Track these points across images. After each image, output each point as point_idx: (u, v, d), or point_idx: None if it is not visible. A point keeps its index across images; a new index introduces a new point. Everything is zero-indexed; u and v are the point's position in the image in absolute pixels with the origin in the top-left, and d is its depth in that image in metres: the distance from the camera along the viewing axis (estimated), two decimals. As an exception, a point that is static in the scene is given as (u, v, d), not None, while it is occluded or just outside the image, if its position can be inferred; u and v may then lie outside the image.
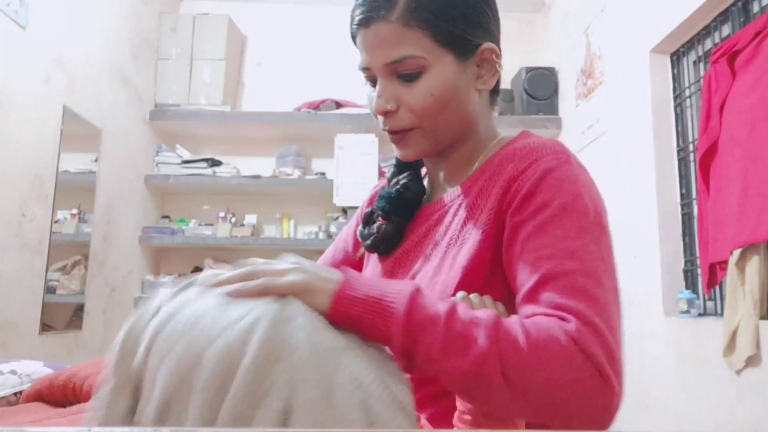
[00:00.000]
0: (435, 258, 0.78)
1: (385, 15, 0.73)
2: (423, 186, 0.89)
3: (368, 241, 0.88)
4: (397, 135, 0.79)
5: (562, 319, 0.60)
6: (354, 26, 0.78)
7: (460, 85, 0.77)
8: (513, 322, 0.60)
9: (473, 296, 0.68)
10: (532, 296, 0.64)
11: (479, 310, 0.62)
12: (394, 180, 0.90)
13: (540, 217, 0.68)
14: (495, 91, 0.85)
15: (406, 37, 0.73)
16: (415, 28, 0.73)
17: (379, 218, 0.88)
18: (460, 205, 0.80)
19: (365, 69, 0.78)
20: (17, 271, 2.25)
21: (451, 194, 0.82)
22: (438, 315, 0.59)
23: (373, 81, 0.79)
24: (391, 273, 0.85)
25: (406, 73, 0.75)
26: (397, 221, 0.86)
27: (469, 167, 0.83)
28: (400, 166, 0.91)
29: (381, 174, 3.35)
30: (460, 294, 0.68)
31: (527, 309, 0.64)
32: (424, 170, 0.94)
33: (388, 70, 0.76)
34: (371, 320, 0.58)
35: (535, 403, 0.57)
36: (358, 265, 0.95)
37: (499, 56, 0.79)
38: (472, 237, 0.74)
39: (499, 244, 0.72)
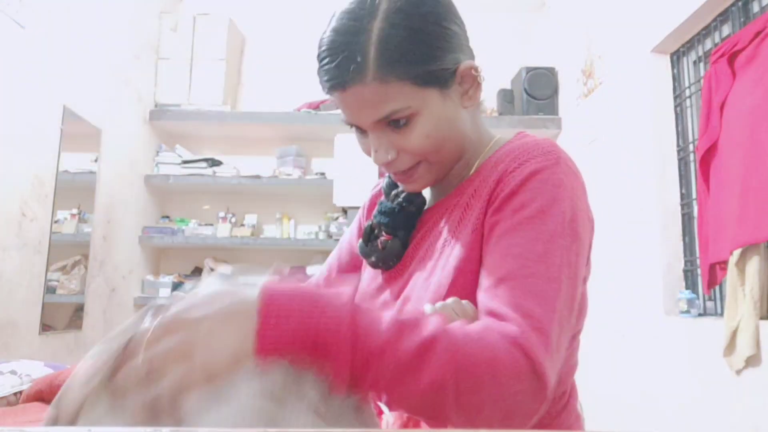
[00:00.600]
0: (430, 260, 0.79)
1: (358, 77, 0.71)
2: (423, 197, 0.88)
3: (372, 258, 0.86)
4: (404, 174, 0.79)
5: (510, 320, 0.60)
6: (327, 88, 0.76)
7: (449, 114, 0.76)
8: (466, 338, 0.57)
9: (450, 301, 0.68)
10: (491, 290, 0.65)
11: (425, 321, 0.57)
12: (393, 193, 0.88)
13: (517, 217, 0.69)
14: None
15: (387, 93, 0.71)
16: (394, 82, 0.71)
17: (382, 233, 0.86)
18: (455, 206, 0.80)
19: (350, 123, 0.79)
20: (17, 271, 2.25)
21: (447, 199, 0.83)
22: (384, 345, 0.53)
23: (360, 131, 0.79)
24: (390, 279, 0.85)
25: (396, 121, 0.74)
26: (403, 236, 0.85)
27: (466, 172, 0.83)
28: None
29: (381, 174, 3.35)
30: (435, 305, 0.67)
31: (485, 303, 0.65)
32: None
33: (378, 125, 0.75)
34: (307, 358, 0.50)
35: (482, 413, 0.56)
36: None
37: (477, 70, 0.78)
38: (464, 237, 0.75)
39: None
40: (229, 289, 0.52)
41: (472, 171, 0.82)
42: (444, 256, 0.77)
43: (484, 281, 0.67)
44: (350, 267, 0.97)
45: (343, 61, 0.71)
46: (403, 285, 0.82)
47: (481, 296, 0.66)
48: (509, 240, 0.68)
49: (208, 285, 0.53)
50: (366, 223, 0.89)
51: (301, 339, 0.49)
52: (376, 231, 0.87)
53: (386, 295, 0.84)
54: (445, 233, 0.79)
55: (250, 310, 0.49)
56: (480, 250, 0.73)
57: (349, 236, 1.00)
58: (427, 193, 0.90)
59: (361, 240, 0.89)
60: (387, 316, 0.55)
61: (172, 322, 0.48)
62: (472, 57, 0.80)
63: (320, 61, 0.75)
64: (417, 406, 0.56)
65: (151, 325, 0.48)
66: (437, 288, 0.74)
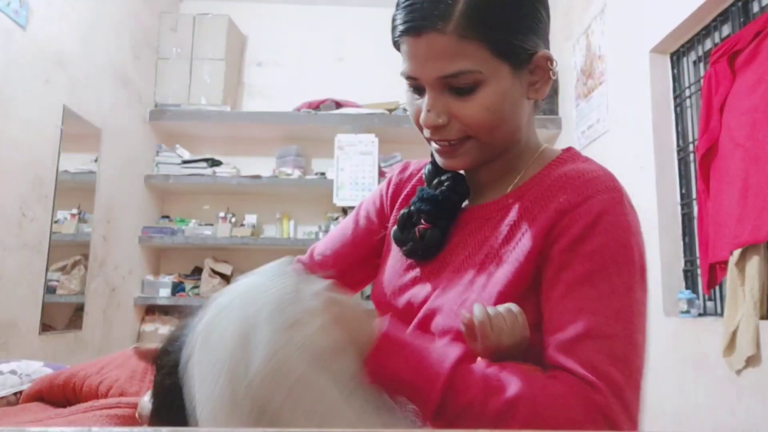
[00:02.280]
0: (468, 272, 0.74)
1: (439, 26, 0.67)
2: (467, 188, 0.82)
3: (408, 247, 0.81)
4: (447, 146, 0.75)
5: (595, 387, 0.60)
6: (399, 32, 0.71)
7: (515, 96, 0.73)
8: (548, 402, 0.59)
9: (503, 309, 0.66)
10: (569, 347, 0.63)
11: (512, 376, 0.62)
12: (436, 180, 0.83)
13: (589, 264, 0.66)
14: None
15: (462, 50, 0.68)
16: (472, 41, 0.67)
17: (421, 222, 0.81)
18: (500, 220, 0.76)
19: (410, 77, 0.73)
20: (17, 271, 2.25)
21: (493, 205, 0.78)
22: (474, 400, 0.59)
23: (417, 89, 0.74)
24: (419, 279, 0.81)
25: (459, 86, 0.70)
26: (444, 226, 0.80)
27: (511, 176, 0.79)
28: (438, 165, 0.83)
29: (381, 174, 3.35)
30: (478, 309, 0.67)
31: (561, 359, 0.63)
32: None
33: (440, 83, 0.70)
34: (412, 382, 0.60)
35: None
36: (379, 246, 0.91)
37: (552, 62, 0.75)
38: (512, 260, 0.71)
39: (538, 273, 0.70)
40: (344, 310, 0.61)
41: (518, 178, 0.78)
42: (485, 274, 0.73)
43: (558, 334, 0.64)
44: (352, 256, 0.93)
45: (428, 5, 0.67)
46: (432, 289, 0.77)
47: (554, 349, 0.64)
48: (585, 290, 0.65)
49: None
50: (403, 210, 0.84)
51: (402, 379, 0.59)
52: (414, 218, 0.82)
53: (418, 292, 0.79)
54: (487, 247, 0.75)
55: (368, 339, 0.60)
56: (529, 280, 0.70)
57: (365, 213, 0.94)
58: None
59: (396, 227, 0.84)
60: (478, 372, 0.61)
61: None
62: (549, 50, 0.77)
63: (401, 2, 0.71)
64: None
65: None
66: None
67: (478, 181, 0.82)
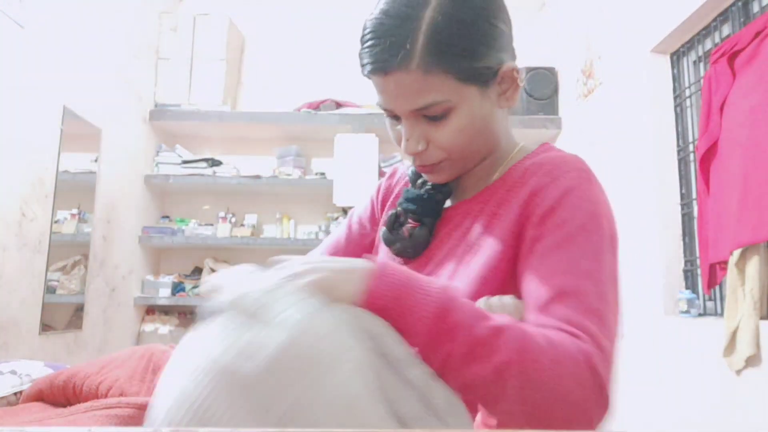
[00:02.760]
0: (451, 263, 0.78)
1: (403, 64, 0.70)
2: (450, 186, 0.87)
3: (397, 245, 0.85)
4: (427, 168, 0.80)
5: (576, 336, 0.61)
6: (367, 70, 0.74)
7: (485, 112, 0.76)
8: (535, 333, 0.60)
9: (495, 298, 0.69)
10: (545, 308, 0.65)
11: (502, 316, 0.62)
12: (420, 180, 0.88)
13: (559, 233, 0.69)
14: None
15: (429, 84, 0.71)
16: (437, 74, 0.70)
17: (408, 221, 0.85)
18: (479, 212, 0.80)
19: (386, 109, 0.77)
20: (17, 271, 2.25)
21: (472, 201, 0.82)
22: (464, 320, 0.59)
23: (394, 117, 0.78)
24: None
25: (432, 115, 0.74)
26: (430, 223, 0.84)
27: (492, 173, 0.83)
28: None
29: (381, 174, 3.35)
30: (482, 300, 0.68)
31: (539, 319, 0.65)
32: None
33: (414, 114, 0.74)
34: (399, 312, 0.58)
35: (541, 414, 0.58)
36: (370, 249, 0.94)
37: (518, 72, 0.78)
38: (491, 246, 0.74)
39: (517, 255, 0.73)
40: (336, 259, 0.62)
41: (496, 175, 0.82)
42: (465, 262, 0.76)
43: (535, 296, 0.67)
44: (358, 249, 0.95)
45: (389, 46, 0.70)
46: None
47: (534, 311, 0.66)
48: (556, 256, 0.68)
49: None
50: (390, 211, 0.88)
51: (396, 297, 0.58)
52: (401, 218, 0.86)
53: None
54: (468, 238, 0.78)
55: (363, 271, 0.59)
56: (507, 262, 0.73)
57: (357, 219, 0.97)
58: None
59: (384, 228, 0.88)
60: (469, 302, 0.61)
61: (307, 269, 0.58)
62: (515, 57, 0.80)
63: (364, 42, 0.74)
64: (481, 388, 0.58)
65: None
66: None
67: (461, 182, 0.86)
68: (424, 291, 0.59)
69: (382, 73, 0.72)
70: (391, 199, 0.95)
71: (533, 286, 0.67)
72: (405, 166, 0.97)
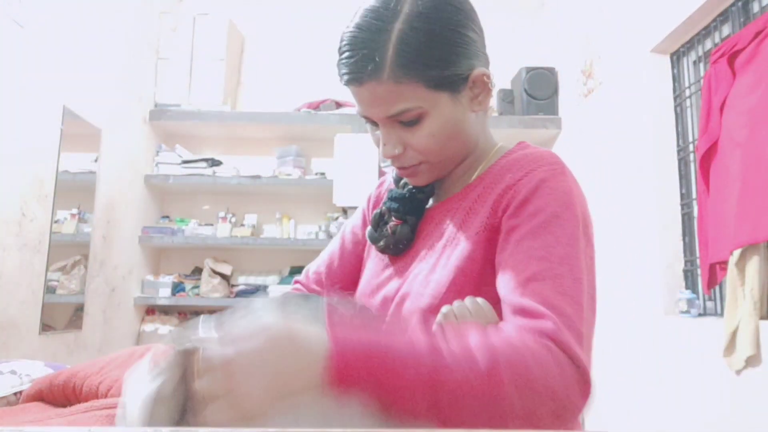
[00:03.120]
0: (431, 258, 0.81)
1: (375, 74, 0.74)
2: (432, 186, 0.90)
3: (381, 243, 0.88)
4: (407, 170, 0.84)
5: (545, 317, 0.63)
6: (344, 81, 0.79)
7: (458, 117, 0.80)
8: (510, 342, 0.60)
9: (467, 300, 0.71)
10: (519, 288, 0.67)
11: (467, 330, 0.61)
12: (403, 181, 0.92)
13: (533, 222, 0.72)
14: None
15: (400, 92, 0.75)
16: (407, 83, 0.74)
17: (392, 219, 0.89)
18: (457, 210, 0.83)
19: (365, 116, 0.81)
20: (17, 271, 2.25)
21: (452, 200, 0.86)
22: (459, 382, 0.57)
23: (372, 123, 0.82)
24: (392, 275, 0.87)
25: (406, 120, 0.78)
26: (412, 221, 0.88)
27: (471, 174, 0.87)
28: None
29: (381, 173, 3.35)
30: (452, 306, 0.70)
31: (513, 299, 0.67)
32: None
33: (389, 121, 0.78)
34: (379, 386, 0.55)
35: (532, 405, 0.58)
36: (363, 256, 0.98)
37: (489, 77, 0.81)
38: (466, 238, 0.78)
39: (493, 246, 0.75)
40: (288, 329, 0.54)
41: (475, 176, 0.85)
42: (445, 255, 0.79)
43: (509, 281, 0.69)
44: (343, 272, 0.98)
45: (362, 58, 0.75)
46: (405, 279, 0.84)
47: (508, 294, 0.68)
48: (530, 243, 0.70)
49: (261, 312, 0.55)
50: (376, 211, 0.92)
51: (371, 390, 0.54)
52: (386, 217, 0.90)
53: (391, 286, 0.85)
54: (447, 234, 0.82)
55: (317, 360, 0.53)
56: (482, 252, 0.76)
57: (351, 229, 1.01)
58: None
59: (370, 226, 0.92)
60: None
61: (235, 360, 0.51)
62: (487, 63, 0.83)
63: (340, 54, 0.79)
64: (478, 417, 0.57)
65: (209, 340, 0.52)
66: (436, 286, 0.77)
67: (442, 183, 0.90)
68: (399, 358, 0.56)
69: (357, 84, 0.77)
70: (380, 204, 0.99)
71: (510, 273, 0.70)
72: (393, 173, 1.01)
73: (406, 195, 0.89)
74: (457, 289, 0.75)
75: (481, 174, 0.85)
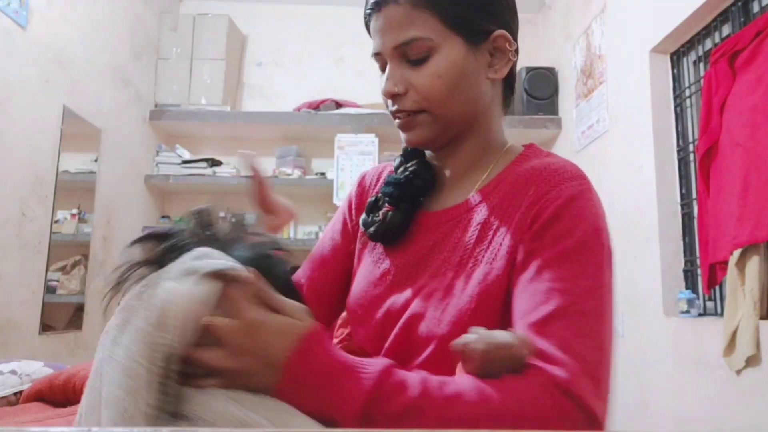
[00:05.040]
0: (446, 276, 0.74)
1: None
2: (432, 175, 0.84)
3: (371, 229, 0.82)
4: (404, 118, 0.78)
5: (560, 364, 0.59)
6: (367, 13, 0.78)
7: (469, 70, 0.76)
8: (490, 397, 0.57)
9: (498, 336, 0.60)
10: (542, 326, 0.62)
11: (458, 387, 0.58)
12: (402, 168, 0.86)
13: (559, 247, 0.67)
14: (509, 88, 0.84)
15: (414, 19, 0.73)
16: (423, 10, 0.73)
17: (386, 205, 0.83)
18: (470, 220, 0.76)
19: (377, 54, 0.78)
20: (17, 271, 2.25)
21: (461, 207, 0.79)
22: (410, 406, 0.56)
23: (384, 67, 0.78)
24: (396, 285, 0.79)
25: (414, 56, 0.75)
26: (406, 208, 0.82)
27: (479, 171, 0.81)
28: (407, 155, 0.87)
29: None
30: (466, 338, 0.59)
31: (532, 338, 0.62)
32: None
33: (397, 54, 0.75)
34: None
35: None
36: (348, 258, 0.90)
37: (512, 44, 0.78)
38: (488, 259, 0.71)
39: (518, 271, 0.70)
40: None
41: (487, 176, 0.80)
42: (464, 275, 0.72)
43: (529, 315, 0.64)
44: (331, 261, 0.92)
45: None
46: (413, 295, 0.76)
47: (525, 330, 0.63)
48: (554, 272, 0.65)
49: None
50: (371, 198, 0.87)
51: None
52: (380, 203, 0.85)
53: (397, 300, 0.77)
54: (461, 249, 0.75)
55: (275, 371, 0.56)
56: (509, 277, 0.69)
57: (330, 231, 0.95)
58: (434, 190, 0.86)
59: (364, 213, 0.86)
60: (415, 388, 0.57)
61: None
62: (514, 34, 0.80)
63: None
64: None
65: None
66: (458, 313, 0.69)
67: (446, 177, 0.84)
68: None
69: (376, 9, 0.76)
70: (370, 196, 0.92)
71: (528, 301, 0.65)
72: (376, 168, 0.95)
73: (402, 180, 0.83)
74: (480, 317, 0.68)
75: (494, 178, 0.78)
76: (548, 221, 0.68)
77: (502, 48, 0.78)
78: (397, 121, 0.79)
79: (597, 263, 0.66)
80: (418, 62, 0.75)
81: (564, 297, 0.63)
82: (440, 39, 0.74)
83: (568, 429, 0.55)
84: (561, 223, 0.68)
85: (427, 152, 0.86)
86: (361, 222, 0.86)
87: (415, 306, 0.74)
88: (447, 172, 0.84)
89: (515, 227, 0.71)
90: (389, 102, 0.79)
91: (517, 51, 0.80)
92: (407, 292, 0.76)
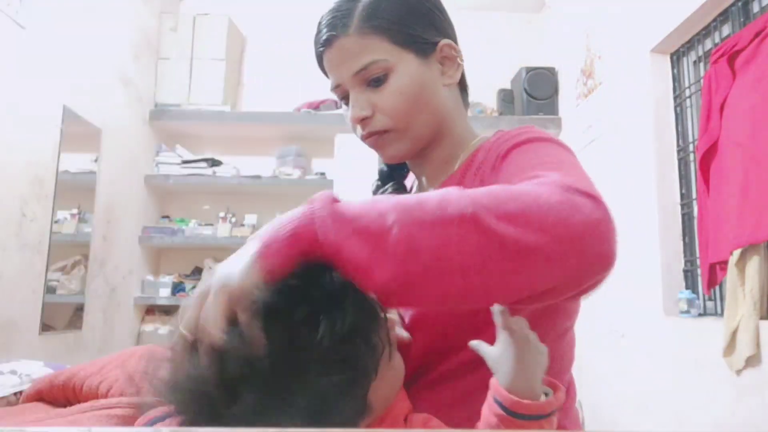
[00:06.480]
0: None
1: (343, 30, 0.78)
2: (405, 164, 0.91)
3: None
4: (374, 138, 0.82)
5: (557, 175, 0.59)
6: (319, 51, 0.82)
7: (426, 81, 0.80)
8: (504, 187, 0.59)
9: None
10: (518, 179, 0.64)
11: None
12: (380, 192, 0.92)
13: (522, 154, 0.71)
14: (464, 89, 0.88)
15: (366, 45, 0.78)
16: (373, 35, 0.77)
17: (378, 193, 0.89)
18: None
19: (337, 87, 0.82)
20: (17, 271, 2.25)
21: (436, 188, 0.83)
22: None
23: (346, 99, 0.83)
24: None
25: (374, 79, 0.79)
26: (392, 190, 0.88)
27: (451, 166, 0.85)
28: (384, 178, 0.94)
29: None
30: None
31: (522, 179, 0.63)
32: (408, 182, 0.96)
33: (358, 80, 0.79)
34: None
35: (555, 243, 0.53)
36: None
37: (457, 50, 0.83)
38: None
39: None
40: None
41: (457, 166, 0.84)
42: None
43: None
44: None
45: (333, 20, 0.80)
46: None
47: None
48: (522, 158, 0.70)
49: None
50: None
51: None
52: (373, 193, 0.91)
53: None
54: None
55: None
56: None
57: None
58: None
59: None
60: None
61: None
62: (456, 42, 0.85)
63: (317, 31, 0.83)
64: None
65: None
66: None
67: (423, 181, 0.89)
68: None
69: (328, 45, 0.80)
70: None
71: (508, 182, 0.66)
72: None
73: (385, 169, 0.91)
74: None
75: (463, 162, 0.83)
76: (505, 153, 0.73)
77: (449, 56, 0.83)
78: (368, 142, 0.84)
79: (557, 150, 0.70)
80: (378, 83, 0.79)
81: (536, 169, 0.63)
82: (395, 58, 0.78)
83: (579, 214, 0.53)
84: (522, 145, 0.73)
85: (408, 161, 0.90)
86: None
87: None
88: (424, 180, 0.89)
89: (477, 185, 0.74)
90: (358, 128, 0.83)
91: (461, 56, 0.85)
92: None
